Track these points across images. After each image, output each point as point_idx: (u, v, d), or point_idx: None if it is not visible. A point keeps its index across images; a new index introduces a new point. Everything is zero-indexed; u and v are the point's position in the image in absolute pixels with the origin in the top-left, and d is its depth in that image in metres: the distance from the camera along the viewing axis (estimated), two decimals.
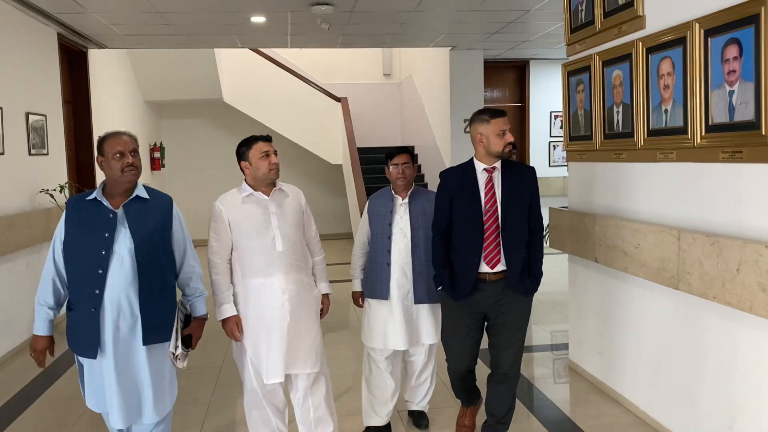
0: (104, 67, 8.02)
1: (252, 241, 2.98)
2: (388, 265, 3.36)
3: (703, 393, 3.09)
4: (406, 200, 3.42)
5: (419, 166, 10.68)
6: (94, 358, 2.62)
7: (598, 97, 3.91)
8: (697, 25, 2.96)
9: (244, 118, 10.80)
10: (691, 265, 2.99)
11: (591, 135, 4.04)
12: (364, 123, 11.46)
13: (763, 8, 2.54)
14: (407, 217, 3.40)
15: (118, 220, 2.67)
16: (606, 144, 3.87)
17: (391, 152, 3.44)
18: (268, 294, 2.96)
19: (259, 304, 2.97)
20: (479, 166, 3.07)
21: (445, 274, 3.11)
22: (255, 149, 3.02)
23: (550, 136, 10.00)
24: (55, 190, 5.90)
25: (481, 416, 3.36)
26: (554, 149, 10.05)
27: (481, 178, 3.05)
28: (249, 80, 10.54)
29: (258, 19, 6.28)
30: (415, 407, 3.65)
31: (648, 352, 3.56)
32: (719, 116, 2.86)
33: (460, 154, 8.43)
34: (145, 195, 2.74)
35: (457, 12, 6.28)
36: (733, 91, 2.77)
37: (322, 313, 3.19)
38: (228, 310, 2.98)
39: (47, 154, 6.05)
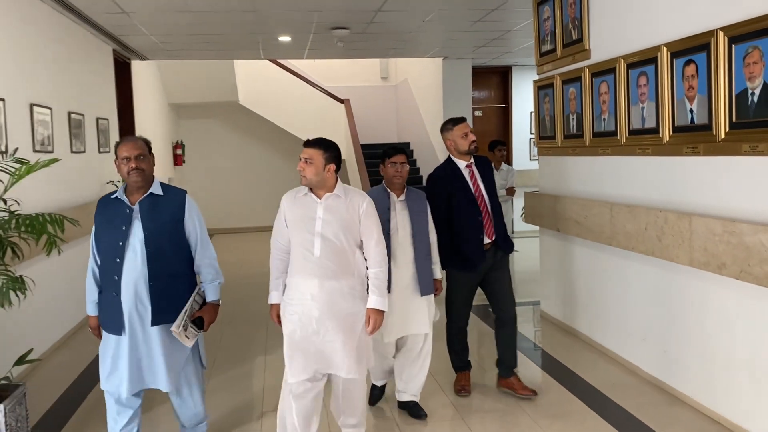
0: (140, 75, 9.21)
1: (296, 239, 3.01)
2: (388, 260, 3.35)
3: (628, 315, 4.38)
4: (403, 197, 3.59)
5: (414, 161, 11.93)
6: (119, 334, 2.97)
7: (559, 107, 5.19)
8: (622, 59, 4.24)
9: (257, 119, 12.02)
10: (619, 227, 4.28)
11: (554, 135, 5.32)
12: (363, 122, 12.62)
13: (659, 53, 3.82)
14: (406, 213, 3.55)
15: (134, 215, 2.95)
16: (564, 142, 5.16)
17: (389, 151, 3.59)
18: (301, 296, 2.98)
19: (295, 302, 3.00)
20: (461, 164, 3.85)
21: (452, 255, 3.80)
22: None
23: (531, 133, 11.25)
24: (118, 181, 7.10)
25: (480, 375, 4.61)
26: (534, 145, 11.33)
27: (465, 173, 3.84)
28: (262, 84, 11.68)
29: (284, 39, 7.52)
30: (408, 397, 3.74)
31: (596, 293, 4.85)
32: (636, 124, 4.15)
33: None
34: (159, 191, 3.01)
35: (450, 32, 7.55)
36: (644, 107, 4.05)
37: (369, 328, 3.03)
38: (272, 298, 3.13)
39: (109, 151, 7.24)
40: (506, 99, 11.47)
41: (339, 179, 3.06)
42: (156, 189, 3.03)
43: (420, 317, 3.61)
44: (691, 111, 3.60)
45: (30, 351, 3.01)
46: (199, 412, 3.29)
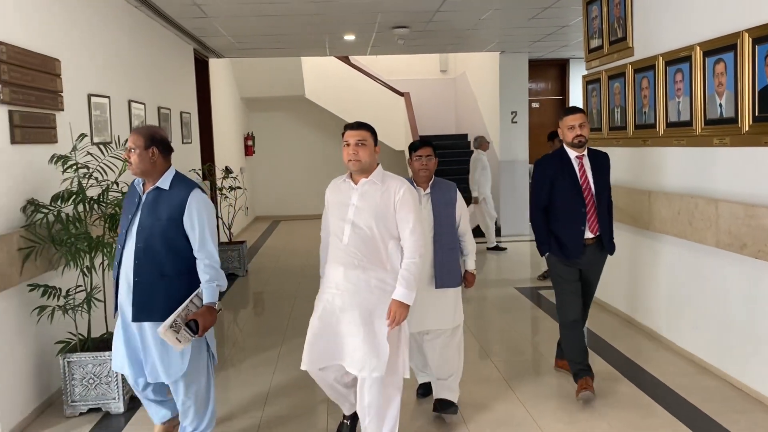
0: (216, 72, 9.95)
1: (331, 226, 3.00)
2: None
3: (661, 288, 4.72)
4: (428, 191, 3.51)
5: (471, 152, 12.29)
6: (114, 317, 3.07)
7: (605, 101, 5.53)
8: (661, 57, 4.57)
9: (322, 111, 12.66)
10: (655, 213, 4.63)
11: (600, 127, 5.66)
12: (422, 114, 13.09)
13: (693, 52, 4.14)
14: (429, 206, 3.47)
15: (140, 206, 2.93)
16: (610, 134, 5.50)
17: (415, 145, 3.52)
18: (328, 285, 2.95)
19: (324, 290, 2.98)
20: (572, 154, 3.75)
21: (552, 241, 3.77)
22: (344, 137, 2.97)
23: None
24: (200, 169, 7.83)
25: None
26: None
27: (575, 163, 3.74)
28: (327, 79, 12.32)
29: (349, 37, 8.07)
30: (442, 394, 3.57)
31: (636, 274, 5.19)
32: (672, 117, 4.48)
33: (508, 142, 10.06)
34: (165, 186, 2.92)
35: (506, 28, 7.92)
36: (680, 101, 4.38)
37: (389, 320, 2.86)
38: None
39: (191, 142, 7.98)
40: (563, 91, 11.71)
41: (380, 164, 3.01)
42: (163, 183, 2.94)
43: (442, 311, 3.48)
44: (721, 105, 3.92)
45: None
46: (193, 410, 3.10)
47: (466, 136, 12.70)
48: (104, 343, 3.88)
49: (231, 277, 7.69)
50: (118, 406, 3.80)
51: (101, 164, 3.97)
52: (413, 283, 2.88)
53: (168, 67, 7.18)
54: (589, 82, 5.91)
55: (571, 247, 3.71)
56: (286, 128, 13.40)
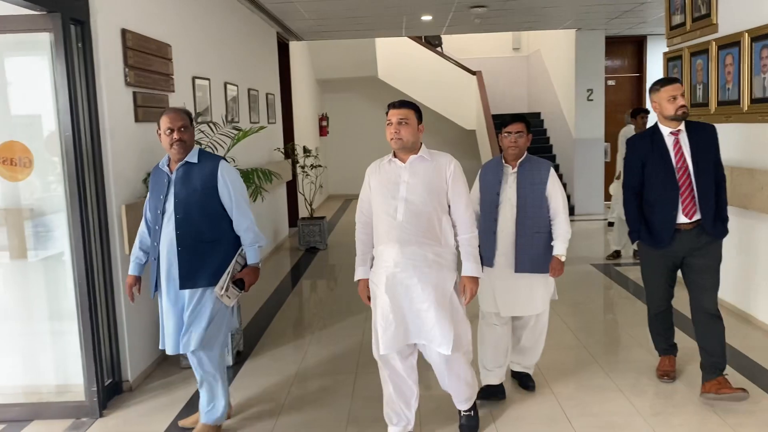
0: (295, 54, 10.33)
1: (379, 206, 2.96)
2: (494, 233, 3.35)
3: (736, 266, 4.77)
4: (516, 170, 3.39)
5: (544, 131, 12.29)
6: (152, 297, 3.17)
7: (687, 77, 5.55)
8: (747, 34, 4.58)
9: (394, 92, 12.86)
10: (737, 189, 4.67)
11: None
12: (494, 93, 13.09)
13: None
14: (515, 186, 3.37)
15: (171, 183, 3.04)
16: (691, 111, 5.51)
17: (506, 120, 3.41)
18: (385, 263, 2.91)
19: (381, 272, 2.94)
20: (665, 131, 3.40)
21: (642, 227, 3.50)
22: (387, 116, 3.00)
23: None
24: (283, 148, 8.24)
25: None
26: None
27: (669, 140, 3.38)
28: (400, 59, 12.52)
29: (426, 17, 8.25)
30: (519, 368, 3.72)
31: None
32: (757, 93, 4.50)
33: (583, 121, 10.02)
34: (194, 159, 3.05)
35: (583, 6, 7.92)
36: (765, 77, 4.40)
37: (466, 296, 2.94)
38: (357, 274, 3.06)
39: (275, 122, 8.39)
40: (640, 68, 11.50)
41: (423, 143, 3.00)
42: (192, 157, 3.07)
43: (531, 296, 3.44)
44: None
45: None
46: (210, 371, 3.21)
47: (539, 114, 12.67)
48: None
49: (313, 251, 8.10)
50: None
51: (212, 141, 4.34)
52: (478, 256, 2.97)
53: (255, 50, 7.57)
54: (671, 59, 5.92)
55: (660, 234, 3.41)
56: (358, 109, 13.71)
